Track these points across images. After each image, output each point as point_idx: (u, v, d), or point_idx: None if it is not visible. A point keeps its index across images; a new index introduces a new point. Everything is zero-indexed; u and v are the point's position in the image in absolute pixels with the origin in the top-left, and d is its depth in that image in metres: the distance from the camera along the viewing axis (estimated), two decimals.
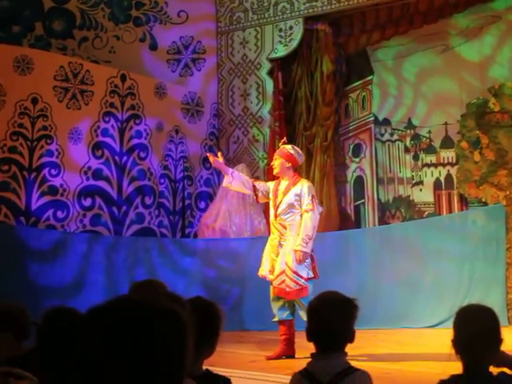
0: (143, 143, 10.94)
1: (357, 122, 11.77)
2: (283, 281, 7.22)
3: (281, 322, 7.36)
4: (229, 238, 10.49)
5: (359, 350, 6.74)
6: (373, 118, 11.61)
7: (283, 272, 7.23)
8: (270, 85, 11.69)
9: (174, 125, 11.42)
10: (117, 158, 10.61)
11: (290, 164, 7.52)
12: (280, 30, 11.64)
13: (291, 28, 11.55)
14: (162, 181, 11.13)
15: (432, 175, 11.02)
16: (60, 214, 9.97)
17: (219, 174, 11.91)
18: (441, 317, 8.92)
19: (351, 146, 11.76)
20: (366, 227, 11.33)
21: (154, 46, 11.71)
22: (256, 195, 7.72)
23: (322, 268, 8.98)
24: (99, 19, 11.33)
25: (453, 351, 3.03)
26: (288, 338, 7.28)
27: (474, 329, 3.02)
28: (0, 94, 9.53)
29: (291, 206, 7.37)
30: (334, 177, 11.40)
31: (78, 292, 9.09)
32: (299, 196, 7.35)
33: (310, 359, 3.24)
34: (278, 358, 7.22)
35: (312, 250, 7.33)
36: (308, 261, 7.27)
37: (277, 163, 7.58)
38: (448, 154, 10.90)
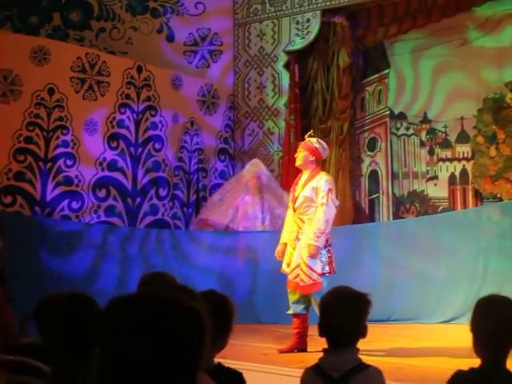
0: (159, 135, 10.95)
1: (372, 115, 11.73)
2: (298, 275, 7.22)
3: (295, 315, 7.36)
4: (243, 230, 10.49)
5: (372, 345, 6.73)
6: (388, 112, 11.57)
7: (298, 266, 7.23)
8: (286, 77, 11.67)
9: (190, 117, 11.43)
10: (132, 149, 10.64)
11: (313, 158, 7.49)
12: (297, 23, 11.61)
13: (308, 21, 11.52)
14: (177, 172, 11.14)
15: (447, 170, 10.98)
16: (75, 205, 10.01)
17: (234, 167, 11.94)
18: (454, 312, 8.90)
19: (366, 140, 11.73)
20: (380, 221, 11.31)
21: (170, 38, 11.72)
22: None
23: (335, 262, 8.97)
24: (116, 10, 11.35)
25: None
26: (301, 331, 7.28)
27: (498, 319, 2.95)
28: (17, 84, 9.56)
29: (309, 199, 7.35)
30: (349, 170, 11.38)
31: (92, 282, 9.12)
32: (316, 189, 7.31)
33: (321, 354, 3.24)
34: (290, 351, 7.23)
35: (330, 245, 7.31)
36: (324, 255, 7.26)
37: (300, 155, 7.55)
38: (463, 149, 10.85)
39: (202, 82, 11.74)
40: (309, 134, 7.87)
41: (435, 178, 11.09)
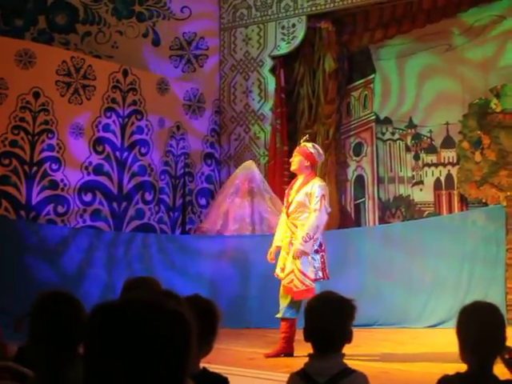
0: (144, 139, 10.93)
1: (358, 120, 11.76)
2: (292, 280, 7.22)
3: (283, 319, 7.35)
4: (230, 235, 10.47)
5: (357, 349, 6.73)
6: (374, 117, 11.60)
7: (292, 271, 7.23)
8: (272, 82, 11.68)
9: (176, 121, 11.42)
10: (118, 153, 10.61)
11: (308, 163, 7.51)
12: (283, 28, 11.63)
13: (294, 26, 11.54)
14: (163, 177, 11.12)
15: (432, 175, 11.01)
16: (60, 209, 9.98)
17: (220, 171, 11.93)
18: (440, 317, 8.92)
19: (352, 145, 11.75)
20: (366, 226, 11.32)
21: (156, 42, 11.71)
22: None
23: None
24: (102, 14, 11.33)
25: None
26: (288, 336, 7.28)
27: (483, 327, 2.98)
28: (2, 87, 9.52)
29: (302, 204, 7.35)
30: (334, 175, 11.40)
31: (77, 287, 9.06)
32: (310, 195, 7.31)
33: (307, 359, 3.24)
34: (276, 355, 7.23)
35: (323, 250, 7.33)
36: (318, 261, 7.27)
37: (296, 160, 7.57)
38: (449, 154, 10.89)
39: (188, 86, 11.73)
40: (304, 138, 7.86)
41: (421, 182, 11.12)
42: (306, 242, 7.16)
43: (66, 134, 10.09)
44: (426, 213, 10.99)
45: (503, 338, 3.03)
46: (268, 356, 7.21)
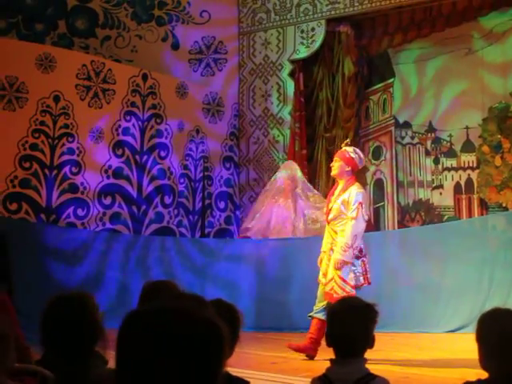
0: (164, 142, 10.97)
1: (377, 124, 11.74)
2: (332, 287, 7.18)
3: (315, 319, 7.32)
4: (250, 238, 10.49)
5: (378, 354, 6.70)
6: (393, 121, 11.58)
7: (333, 278, 7.19)
8: (290, 86, 11.68)
9: (195, 124, 11.45)
10: (137, 157, 10.65)
11: (349, 168, 7.37)
12: (302, 32, 11.63)
13: (313, 29, 11.54)
14: (182, 180, 11.15)
15: (452, 179, 10.98)
16: (80, 212, 10.02)
17: (239, 174, 11.94)
18: (460, 322, 8.87)
19: (371, 149, 11.73)
20: (386, 230, 11.29)
21: (176, 46, 11.74)
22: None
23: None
24: (122, 18, 11.37)
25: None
26: (315, 338, 7.21)
27: (504, 333, 2.95)
28: (22, 91, 9.58)
29: (340, 212, 7.26)
30: None
31: (95, 290, 9.09)
32: (347, 202, 7.22)
33: (328, 363, 3.23)
34: (296, 350, 7.20)
35: (364, 255, 7.28)
36: (358, 267, 7.23)
37: (336, 165, 7.44)
38: (469, 158, 10.85)
39: (207, 90, 11.75)
40: (345, 142, 7.73)
41: (440, 186, 11.09)
42: (345, 251, 7.11)
43: (86, 137, 10.14)
44: (446, 217, 10.95)
45: None
46: (290, 346, 7.20)
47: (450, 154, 11.03)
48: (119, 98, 10.53)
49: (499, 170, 10.20)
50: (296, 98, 11.57)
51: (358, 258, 7.22)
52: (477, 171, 10.64)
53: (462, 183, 10.87)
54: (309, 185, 10.73)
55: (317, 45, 11.49)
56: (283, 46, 11.82)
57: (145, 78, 10.83)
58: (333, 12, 11.36)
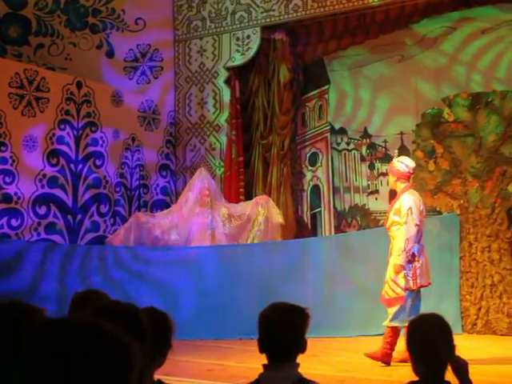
0: (99, 151, 10.87)
1: (313, 131, 11.82)
2: (385, 289, 7.51)
3: (390, 327, 7.43)
4: (186, 246, 10.45)
5: (314, 358, 6.75)
6: (329, 127, 11.67)
7: (386, 281, 7.50)
8: (227, 93, 11.69)
9: (131, 133, 11.38)
10: (72, 165, 10.53)
11: (395, 178, 7.79)
12: (237, 39, 11.65)
13: (248, 37, 11.57)
14: (118, 189, 11.07)
15: (387, 184, 11.08)
16: (14, 223, 9.86)
17: (176, 182, 11.90)
18: None
19: (308, 155, 11.80)
20: (323, 235, 11.37)
21: (110, 54, 11.64)
22: None
23: (277, 276, 9.00)
24: (55, 26, 11.23)
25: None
26: (390, 345, 7.30)
27: (426, 340, 3.02)
28: None
29: (393, 220, 7.61)
30: (290, 185, 11.43)
31: (31, 301, 8.95)
32: (398, 211, 7.56)
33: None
34: (374, 358, 7.25)
35: (416, 260, 7.48)
36: (409, 270, 7.44)
37: (391, 181, 8.01)
38: None
39: (143, 97, 11.69)
40: (395, 155, 8.27)
41: (376, 192, 11.20)
42: (399, 255, 7.41)
43: (20, 146, 9.98)
44: (382, 222, 11.04)
45: (450, 347, 3.07)
46: (368, 356, 7.28)
47: (385, 159, 11.15)
48: (53, 106, 10.40)
49: (433, 175, 10.33)
50: (232, 105, 11.59)
51: (410, 262, 7.48)
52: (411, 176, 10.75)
53: None
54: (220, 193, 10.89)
55: (252, 52, 11.53)
56: (219, 53, 11.83)
57: (79, 85, 10.72)
58: (268, 20, 11.41)
